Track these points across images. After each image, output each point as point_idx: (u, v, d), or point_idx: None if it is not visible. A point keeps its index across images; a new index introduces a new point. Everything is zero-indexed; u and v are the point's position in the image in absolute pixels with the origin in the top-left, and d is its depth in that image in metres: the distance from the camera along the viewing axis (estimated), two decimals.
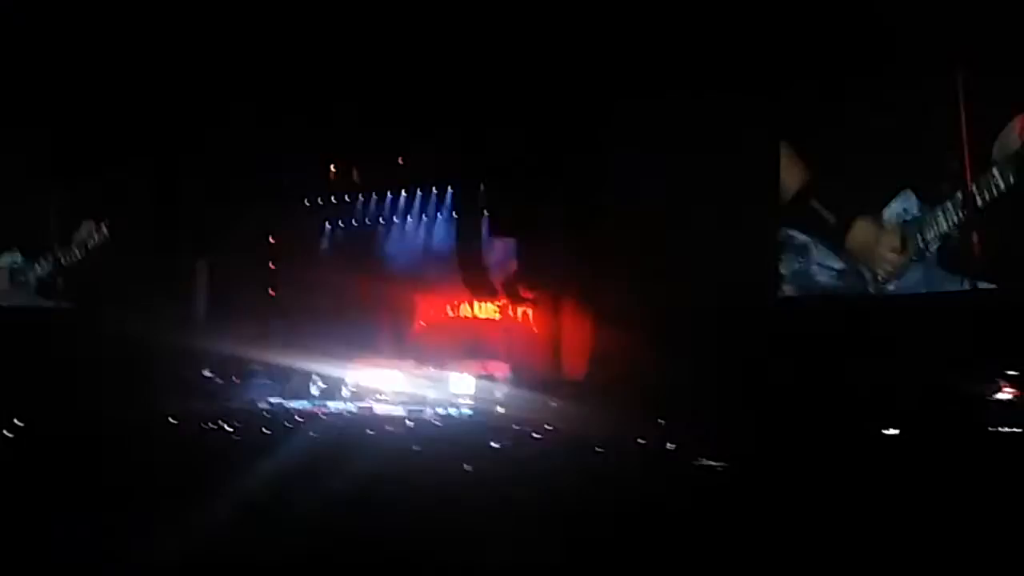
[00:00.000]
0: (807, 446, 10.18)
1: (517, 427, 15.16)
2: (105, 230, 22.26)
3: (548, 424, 15.15)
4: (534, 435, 14.05)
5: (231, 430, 13.98)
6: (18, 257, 22.12)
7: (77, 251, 22.17)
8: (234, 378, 21.69)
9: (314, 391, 21.33)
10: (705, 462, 9.68)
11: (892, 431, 12.11)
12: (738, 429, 11.57)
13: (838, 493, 7.30)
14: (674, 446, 11.49)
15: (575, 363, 18.37)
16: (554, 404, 16.57)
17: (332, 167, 21.68)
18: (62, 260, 22.15)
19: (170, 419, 15.13)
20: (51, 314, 21.40)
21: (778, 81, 15.46)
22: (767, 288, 16.25)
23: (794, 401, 13.17)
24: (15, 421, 13.24)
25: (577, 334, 18.41)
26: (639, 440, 11.87)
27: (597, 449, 11.10)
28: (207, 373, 21.70)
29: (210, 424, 14.87)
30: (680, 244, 16.14)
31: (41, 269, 22.13)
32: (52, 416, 13.96)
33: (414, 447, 11.38)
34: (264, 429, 14.85)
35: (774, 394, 13.65)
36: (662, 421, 13.37)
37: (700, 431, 11.96)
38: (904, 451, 11.25)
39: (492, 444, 11.96)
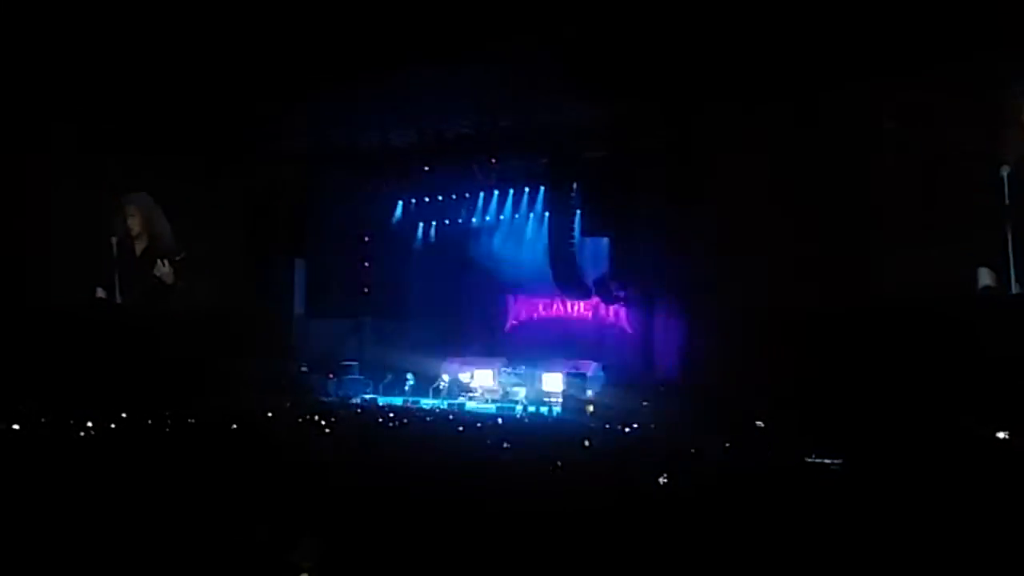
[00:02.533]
0: (920, 446, 9.83)
1: (608, 426, 15.05)
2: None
3: (640, 424, 15.00)
4: (625, 433, 13.93)
5: (325, 425, 14.19)
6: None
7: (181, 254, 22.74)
8: (329, 375, 22.07)
9: (406, 388, 21.60)
10: (814, 459, 9.43)
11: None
12: (840, 429, 11.25)
13: (952, 493, 7.01)
14: (772, 447, 11.24)
15: (667, 362, 18.13)
16: (646, 403, 16.39)
17: (425, 168, 21.84)
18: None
19: (268, 414, 15.49)
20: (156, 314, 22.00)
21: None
22: (868, 288, 15.76)
23: (900, 401, 12.75)
24: (121, 415, 13.75)
25: (671, 333, 18.16)
26: (732, 441, 11.63)
27: (691, 450, 10.91)
28: (303, 369, 22.14)
29: (306, 418, 15.15)
30: (779, 243, 15.81)
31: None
32: (156, 412, 14.41)
33: (504, 444, 11.36)
34: (357, 424, 15.07)
35: (878, 393, 13.25)
36: (760, 423, 13.11)
37: (797, 431, 11.67)
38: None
39: (585, 443, 11.87)
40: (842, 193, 15.51)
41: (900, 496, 7.18)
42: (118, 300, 22.01)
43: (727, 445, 11.42)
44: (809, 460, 9.78)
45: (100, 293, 21.85)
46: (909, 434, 10.76)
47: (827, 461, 9.51)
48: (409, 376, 21.80)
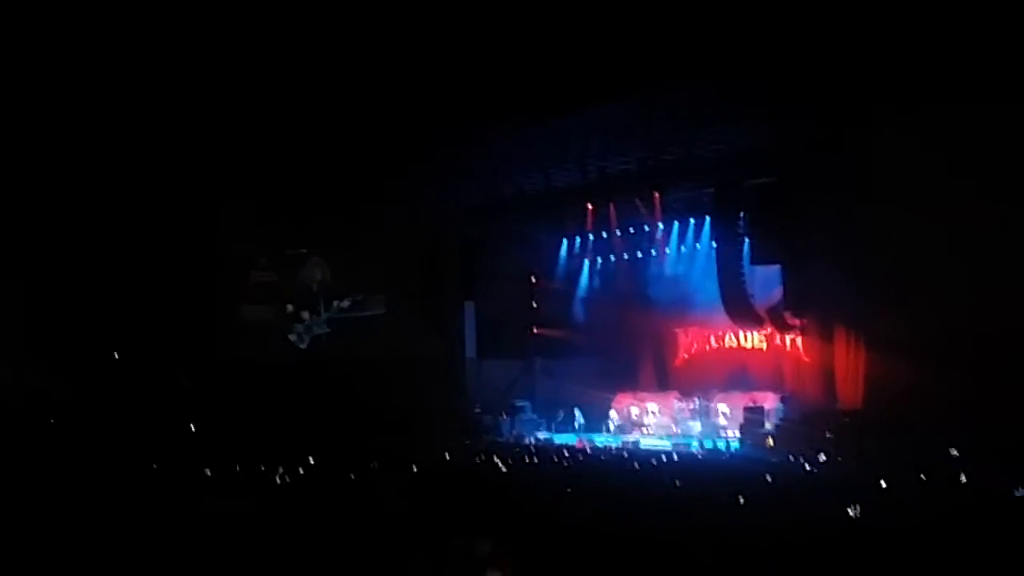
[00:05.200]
0: None
1: (791, 459, 14.54)
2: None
3: (824, 455, 14.42)
4: (809, 467, 13.41)
5: (501, 464, 14.29)
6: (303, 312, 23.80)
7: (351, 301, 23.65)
8: (502, 414, 22.31)
9: (578, 425, 21.57)
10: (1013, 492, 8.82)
11: None
12: None
13: None
14: (968, 477, 10.57)
15: (849, 391, 17.35)
16: (830, 435, 15.75)
17: (589, 205, 21.94)
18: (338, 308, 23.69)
19: (445, 455, 15.76)
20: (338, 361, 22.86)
21: None
22: None
23: None
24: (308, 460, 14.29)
25: (851, 361, 17.39)
26: (926, 472, 11.01)
27: (882, 484, 10.38)
28: (477, 410, 22.47)
29: (482, 458, 15.32)
30: (958, 265, 15.00)
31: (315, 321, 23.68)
32: (333, 456, 14.91)
33: (676, 482, 11.12)
34: (530, 463, 15.12)
35: None
36: (955, 451, 12.37)
37: (995, 460, 10.94)
38: None
39: (767, 478, 11.49)
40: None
41: None
42: (303, 347, 23.13)
43: (922, 476, 10.83)
44: (1017, 492, 9.12)
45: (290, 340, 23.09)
46: None
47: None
48: (580, 414, 21.78)
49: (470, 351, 23.44)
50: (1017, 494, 9.00)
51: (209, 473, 12.86)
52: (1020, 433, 12.56)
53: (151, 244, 20.80)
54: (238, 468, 13.42)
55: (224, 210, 21.74)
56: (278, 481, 12.35)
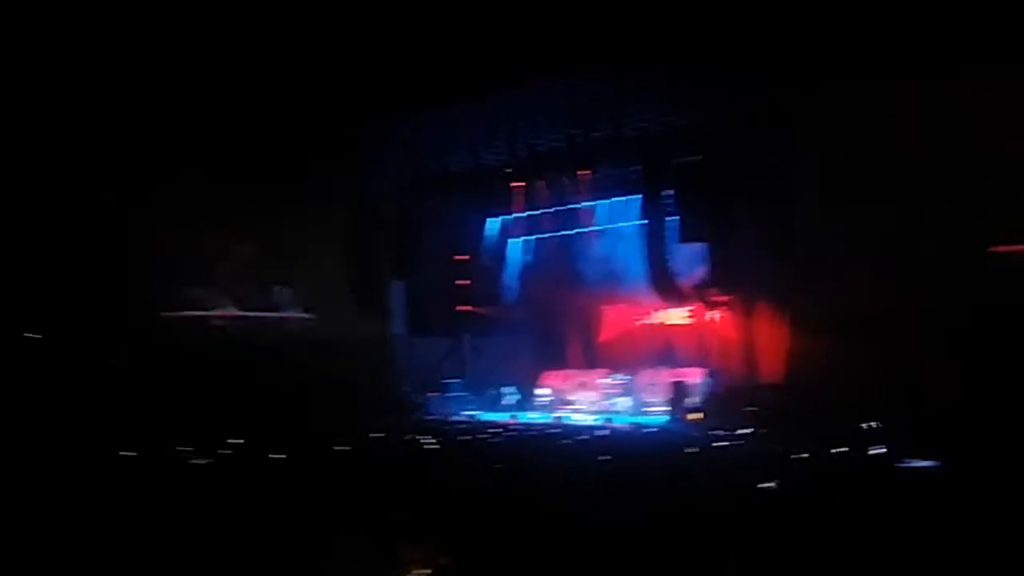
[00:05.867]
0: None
1: (713, 433, 14.84)
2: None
3: (746, 429, 14.76)
4: (732, 441, 13.71)
5: (431, 442, 14.34)
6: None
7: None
8: (432, 393, 22.32)
9: (507, 403, 21.69)
10: (915, 463, 9.15)
11: None
12: (949, 431, 10.87)
13: None
14: (883, 449, 10.93)
15: (772, 367, 17.76)
16: (752, 409, 16.10)
17: (518, 183, 21.98)
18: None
19: (371, 435, 15.73)
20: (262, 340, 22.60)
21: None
22: (976, 289, 15.19)
23: (1009, 401, 12.25)
24: (232, 441, 14.15)
25: (773, 337, 17.79)
26: (840, 444, 11.35)
27: (802, 456, 10.69)
28: (406, 388, 22.43)
29: (409, 437, 15.34)
30: (882, 245, 15.39)
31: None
32: (262, 435, 14.79)
33: (601, 457, 11.28)
34: (460, 440, 15.19)
35: (984, 394, 12.76)
36: (873, 424, 12.76)
37: (908, 433, 11.31)
38: None
39: (687, 450, 11.74)
40: (953, 196, 14.98)
41: (1002, 500, 6.89)
42: (230, 327, 22.81)
43: (832, 449, 11.16)
44: (908, 465, 9.48)
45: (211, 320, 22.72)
46: (1019, 436, 10.31)
47: (928, 464, 9.18)
48: (510, 391, 21.90)
49: (399, 329, 23.37)
50: (924, 467, 9.33)
51: (135, 455, 12.69)
52: (931, 410, 12.97)
53: (76, 223, 20.28)
54: (162, 450, 13.25)
55: (152, 191, 21.23)
56: (203, 462, 12.23)
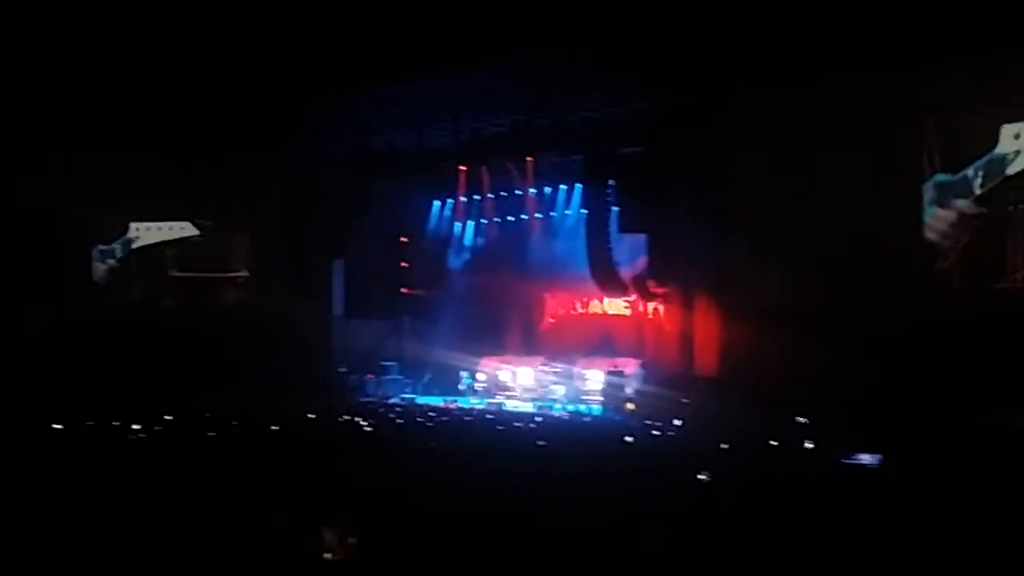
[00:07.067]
0: (957, 443, 9.65)
1: (648, 423, 14.97)
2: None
3: (679, 420, 14.90)
4: (664, 432, 13.84)
5: (366, 425, 14.25)
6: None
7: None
8: (368, 375, 22.19)
9: (445, 387, 21.65)
10: (853, 460, 9.30)
11: None
12: (881, 426, 11.08)
13: (991, 491, 6.86)
14: (814, 444, 11.11)
15: (707, 359, 17.95)
16: (687, 401, 16.27)
17: (462, 167, 21.89)
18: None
19: (308, 415, 15.58)
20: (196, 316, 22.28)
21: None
22: (907, 281, 15.50)
23: (944, 395, 12.54)
24: (165, 416, 13.94)
25: (709, 329, 17.97)
26: (774, 438, 11.50)
27: (722, 446, 10.83)
28: (342, 370, 22.26)
29: (345, 419, 15.22)
30: (818, 240, 15.61)
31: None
32: (194, 412, 14.59)
33: (539, 442, 11.31)
34: (396, 423, 15.12)
35: (920, 389, 13.04)
36: (802, 419, 12.95)
37: (841, 428, 11.51)
38: None
39: (626, 439, 11.81)
40: (884, 190, 15.24)
41: (938, 495, 7.04)
42: (161, 304, 22.48)
43: (771, 442, 11.30)
44: (847, 460, 9.64)
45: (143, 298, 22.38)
46: (949, 433, 10.56)
47: (866, 459, 9.36)
48: (446, 375, 21.87)
49: (337, 309, 23.17)
50: (855, 461, 9.49)
51: (60, 427, 12.44)
52: (862, 403, 13.21)
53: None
54: (90, 423, 13.00)
55: (79, 161, 20.70)
56: (132, 437, 12.03)
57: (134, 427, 12.46)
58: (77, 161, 20.52)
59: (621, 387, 18.60)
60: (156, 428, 12.83)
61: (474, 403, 20.23)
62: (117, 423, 12.76)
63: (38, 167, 20.16)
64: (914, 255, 15.40)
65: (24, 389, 16.44)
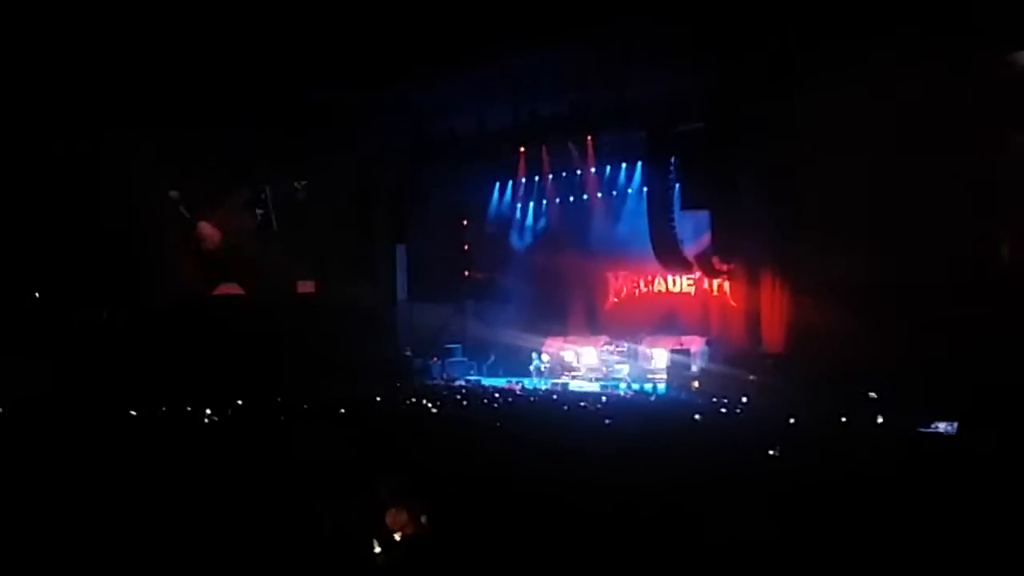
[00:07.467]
0: None
1: (714, 400, 14.85)
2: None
3: (746, 397, 14.76)
4: (732, 409, 13.71)
5: (431, 406, 14.36)
6: None
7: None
8: (433, 358, 22.37)
9: (509, 368, 21.72)
10: (928, 429, 9.13)
11: None
12: (953, 399, 10.86)
13: None
14: (884, 418, 10.92)
15: (773, 335, 17.74)
16: (753, 378, 16.11)
17: (522, 148, 21.88)
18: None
19: (375, 398, 15.77)
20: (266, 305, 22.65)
21: None
22: (979, 261, 15.11)
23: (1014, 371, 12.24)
24: (236, 401, 14.23)
25: (775, 306, 17.76)
26: (846, 414, 11.34)
27: (791, 421, 10.71)
28: (407, 353, 22.47)
29: (411, 401, 15.37)
30: (886, 215, 15.31)
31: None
32: (264, 397, 14.87)
33: (606, 421, 11.30)
34: (462, 404, 15.21)
35: (992, 364, 12.74)
36: (872, 394, 12.75)
37: (912, 401, 11.31)
38: None
39: (696, 416, 11.74)
40: (956, 167, 14.84)
41: (1016, 465, 6.88)
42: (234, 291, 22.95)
43: (842, 418, 11.15)
44: (923, 430, 9.47)
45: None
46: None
47: (941, 428, 9.18)
48: (510, 356, 21.95)
49: (401, 294, 23.38)
50: (928, 431, 9.33)
51: (135, 414, 12.75)
52: (931, 377, 12.96)
53: (69, 182, 20.26)
54: (165, 409, 13.31)
55: (146, 152, 21.13)
56: (207, 422, 12.28)
57: (207, 412, 12.72)
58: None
59: (686, 365, 18.47)
60: (228, 412, 13.10)
61: (538, 384, 20.26)
62: (190, 408, 13.05)
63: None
64: (979, 230, 15.04)
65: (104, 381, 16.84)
